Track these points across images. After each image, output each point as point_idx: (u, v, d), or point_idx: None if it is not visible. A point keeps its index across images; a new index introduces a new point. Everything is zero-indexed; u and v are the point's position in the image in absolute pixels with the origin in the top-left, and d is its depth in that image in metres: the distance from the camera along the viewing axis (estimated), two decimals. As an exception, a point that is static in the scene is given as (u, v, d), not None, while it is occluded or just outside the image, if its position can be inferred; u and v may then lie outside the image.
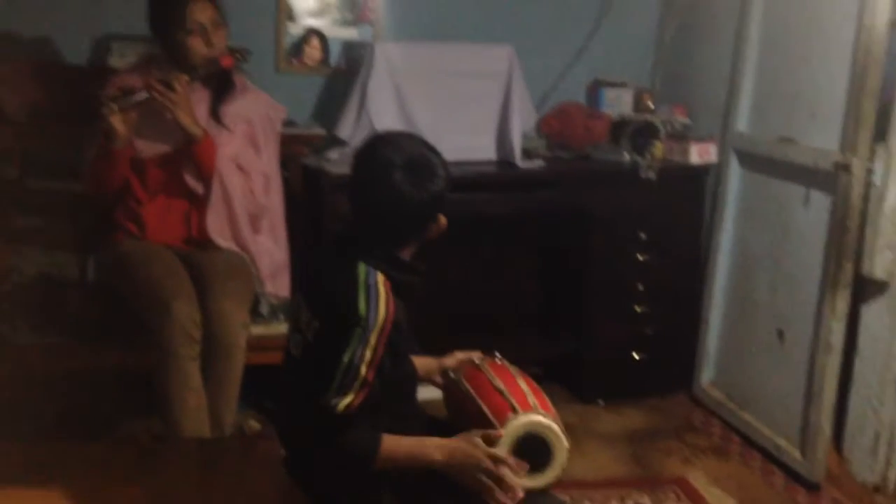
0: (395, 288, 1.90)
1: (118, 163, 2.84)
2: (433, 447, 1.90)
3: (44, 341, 2.96)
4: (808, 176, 3.15)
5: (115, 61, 3.32)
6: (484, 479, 1.86)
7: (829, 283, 3.03)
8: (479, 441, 1.89)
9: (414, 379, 2.13)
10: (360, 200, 1.96)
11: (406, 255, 1.99)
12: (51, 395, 3.00)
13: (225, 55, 2.93)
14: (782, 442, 3.24)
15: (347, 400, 1.82)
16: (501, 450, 1.90)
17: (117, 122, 2.74)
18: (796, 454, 3.16)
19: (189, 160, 2.90)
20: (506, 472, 1.87)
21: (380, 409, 1.91)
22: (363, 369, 1.82)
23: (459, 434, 1.93)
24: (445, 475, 1.90)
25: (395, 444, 1.89)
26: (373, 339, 1.83)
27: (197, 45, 2.88)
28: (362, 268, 1.88)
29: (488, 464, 1.86)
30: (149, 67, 2.95)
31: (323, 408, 1.82)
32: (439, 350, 2.26)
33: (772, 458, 3.27)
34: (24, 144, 3.16)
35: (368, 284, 1.86)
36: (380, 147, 1.95)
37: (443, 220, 1.98)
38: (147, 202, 2.95)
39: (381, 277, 1.88)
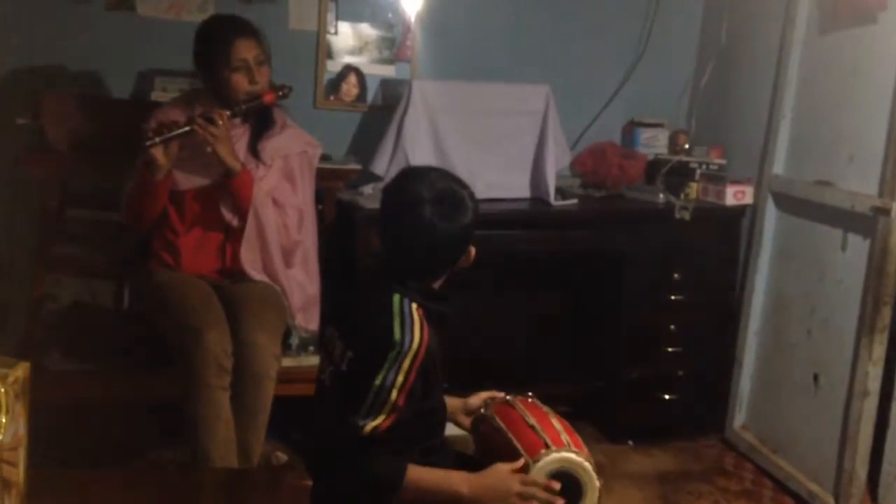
0: (429, 317, 1.91)
1: (157, 194, 2.88)
2: (460, 480, 1.91)
3: (76, 368, 2.97)
4: (845, 219, 3.13)
5: (158, 95, 3.38)
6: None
7: (866, 328, 2.99)
8: (508, 468, 1.92)
9: (443, 412, 2.13)
10: (391, 234, 1.98)
11: (437, 285, 2.00)
12: (82, 422, 3.02)
13: (267, 92, 2.97)
14: (816, 488, 3.18)
15: (376, 422, 1.82)
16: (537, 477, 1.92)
17: (158, 154, 2.78)
18: (830, 501, 3.10)
19: (226, 194, 2.93)
20: (538, 494, 1.89)
21: (410, 441, 1.92)
22: (394, 394, 1.83)
23: (486, 469, 1.94)
24: None
25: (421, 475, 1.89)
26: (406, 364, 1.84)
27: (240, 82, 2.91)
28: (396, 297, 1.90)
29: (520, 488, 1.88)
30: (191, 102, 2.99)
31: (350, 429, 1.82)
32: (466, 387, 2.26)
33: (805, 504, 3.22)
34: (65, 174, 3.21)
35: (403, 312, 1.88)
36: (409, 181, 1.97)
37: (472, 250, 2.00)
38: (183, 234, 2.98)
39: (414, 306, 1.90)
